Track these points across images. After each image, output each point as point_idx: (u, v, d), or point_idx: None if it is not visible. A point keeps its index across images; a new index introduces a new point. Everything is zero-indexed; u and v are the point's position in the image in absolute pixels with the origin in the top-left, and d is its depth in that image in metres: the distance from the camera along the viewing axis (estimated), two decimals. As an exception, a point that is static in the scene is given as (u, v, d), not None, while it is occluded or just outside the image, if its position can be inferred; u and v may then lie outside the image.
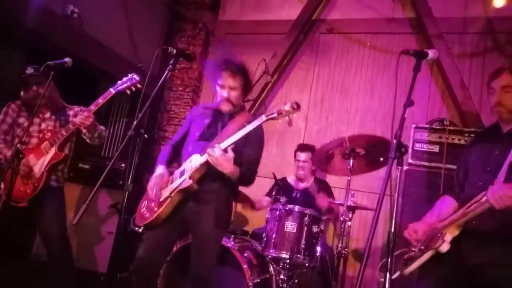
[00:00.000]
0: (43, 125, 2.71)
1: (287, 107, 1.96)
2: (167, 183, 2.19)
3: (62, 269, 2.61)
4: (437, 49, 1.90)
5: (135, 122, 1.88)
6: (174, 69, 4.68)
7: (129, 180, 1.98)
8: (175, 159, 2.37)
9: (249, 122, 2.11)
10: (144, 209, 2.21)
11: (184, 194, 2.12)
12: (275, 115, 1.98)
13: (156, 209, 2.12)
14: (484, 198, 1.65)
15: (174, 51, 2.12)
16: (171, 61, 2.12)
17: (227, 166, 2.04)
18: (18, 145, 2.27)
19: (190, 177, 2.08)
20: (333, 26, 4.35)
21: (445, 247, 1.75)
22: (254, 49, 4.51)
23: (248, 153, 2.22)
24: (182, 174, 2.15)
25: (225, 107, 2.29)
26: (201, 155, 2.10)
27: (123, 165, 3.73)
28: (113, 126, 4.54)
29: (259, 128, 2.11)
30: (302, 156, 3.45)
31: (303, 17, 4.33)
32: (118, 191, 3.48)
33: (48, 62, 2.48)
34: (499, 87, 1.87)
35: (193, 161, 2.13)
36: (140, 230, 2.22)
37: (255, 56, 4.38)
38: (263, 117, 2.01)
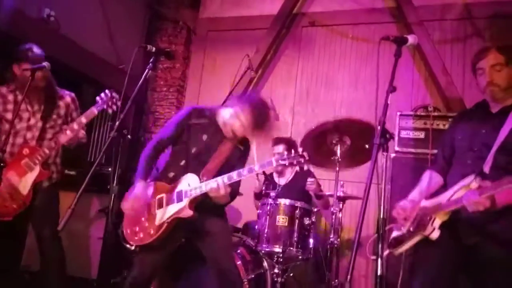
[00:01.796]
0: (32, 121, 2.57)
1: (298, 159, 1.92)
2: (151, 197, 2.11)
3: (55, 271, 2.54)
4: (417, 36, 1.89)
5: (117, 123, 1.85)
6: (156, 68, 4.64)
7: (115, 182, 1.95)
8: (155, 160, 2.24)
9: (240, 143, 2.21)
10: (137, 228, 2.10)
11: (182, 221, 2.07)
12: (285, 163, 1.93)
13: (152, 232, 2.05)
14: (474, 183, 1.70)
15: (154, 49, 2.10)
16: (151, 60, 2.09)
17: (225, 199, 2.08)
18: (-1, 154, 2.21)
19: (190, 207, 2.03)
20: (314, 19, 4.35)
21: (435, 234, 1.78)
22: (237, 45, 4.49)
23: (236, 182, 2.13)
24: (179, 198, 2.05)
25: (226, 134, 2.18)
26: (201, 181, 2.05)
27: (109, 169, 3.68)
28: (98, 130, 4.48)
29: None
30: (277, 148, 3.40)
31: (285, 11, 4.32)
32: (107, 196, 3.42)
33: (25, 67, 2.41)
34: (488, 66, 1.85)
35: (192, 186, 2.05)
36: (133, 248, 2.14)
37: (238, 52, 4.36)
38: (274, 162, 1.96)
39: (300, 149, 1.95)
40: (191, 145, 2.18)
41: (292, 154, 1.94)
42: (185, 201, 2.04)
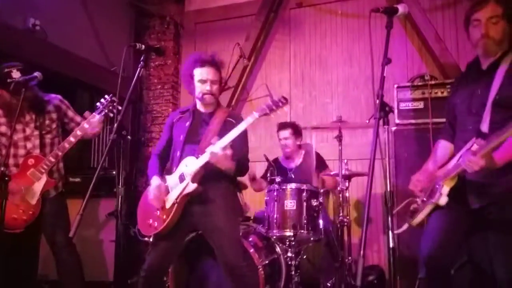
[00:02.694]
0: (28, 131, 2.59)
1: (277, 104, 2.05)
2: (166, 192, 2.19)
3: (73, 277, 2.57)
4: (407, 5, 1.86)
5: (115, 125, 1.85)
6: (147, 67, 4.61)
7: (120, 184, 1.95)
8: (164, 167, 2.37)
9: (231, 117, 2.26)
10: (150, 220, 2.20)
11: (189, 198, 2.15)
12: (267, 111, 2.06)
13: (164, 217, 2.14)
14: (475, 146, 1.68)
15: (143, 47, 2.08)
16: (142, 58, 2.08)
17: (227, 163, 2.11)
18: (2, 168, 2.21)
19: (193, 181, 2.11)
20: (301, 0, 4.29)
21: (443, 200, 1.79)
22: (227, 35, 4.45)
23: (238, 147, 2.25)
24: (181, 178, 2.15)
25: (208, 102, 2.30)
26: (196, 158, 2.13)
27: (114, 172, 3.68)
28: (98, 135, 4.47)
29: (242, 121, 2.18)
30: (283, 133, 3.45)
31: (270, -5, 4.27)
32: (114, 199, 3.44)
33: (17, 79, 2.40)
34: (485, 18, 1.79)
35: (190, 165, 2.14)
36: (150, 239, 2.22)
37: (229, 41, 4.34)
38: (256, 115, 2.08)
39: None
40: (179, 135, 2.29)
41: (270, 101, 2.05)
42: (188, 178, 2.12)
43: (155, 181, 2.22)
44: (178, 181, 2.17)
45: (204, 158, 2.09)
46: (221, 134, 2.15)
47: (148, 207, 2.24)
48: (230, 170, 2.19)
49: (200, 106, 2.36)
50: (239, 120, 2.22)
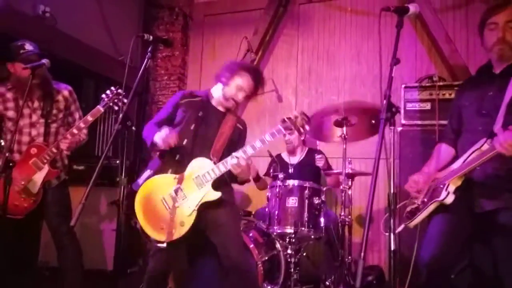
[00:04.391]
0: (34, 118, 2.57)
1: (299, 121, 2.04)
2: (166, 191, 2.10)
3: (74, 264, 2.58)
4: (418, 5, 1.83)
5: (120, 115, 1.85)
6: (155, 57, 4.60)
7: (123, 174, 1.95)
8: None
9: (239, 123, 2.30)
10: (163, 225, 2.03)
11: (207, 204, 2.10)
12: (292, 127, 2.05)
13: (185, 223, 2.03)
14: (486, 146, 1.65)
15: (151, 37, 2.06)
16: (149, 49, 2.06)
17: (249, 173, 2.17)
18: (7, 154, 2.22)
19: (214, 188, 2.08)
20: (311, -5, 4.26)
21: (450, 199, 1.76)
22: (235, 28, 4.43)
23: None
24: (200, 183, 2.07)
25: (226, 105, 2.28)
26: (214, 163, 2.10)
27: (118, 161, 3.70)
28: (103, 124, 4.49)
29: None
30: None
31: (280, -11, 4.23)
32: (117, 188, 3.46)
33: (25, 65, 2.40)
34: (503, 21, 1.74)
35: (207, 168, 2.08)
36: (164, 245, 2.02)
37: (237, 35, 4.32)
38: (282, 129, 2.08)
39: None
40: (190, 123, 2.22)
41: (292, 118, 2.02)
42: (208, 185, 2.08)
43: (164, 129, 2.10)
44: (195, 185, 2.08)
45: (224, 167, 2.07)
46: (232, 139, 2.18)
47: (158, 210, 2.08)
48: (248, 177, 2.24)
49: (214, 101, 2.32)
50: (245, 127, 2.31)
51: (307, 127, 2.06)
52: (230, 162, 2.05)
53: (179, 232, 2.02)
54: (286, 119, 2.06)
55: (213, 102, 2.31)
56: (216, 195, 2.07)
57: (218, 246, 2.14)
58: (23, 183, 2.44)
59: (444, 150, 2.03)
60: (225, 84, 2.25)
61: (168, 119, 2.28)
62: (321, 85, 4.17)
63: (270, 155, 3.21)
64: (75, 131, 2.47)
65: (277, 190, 2.84)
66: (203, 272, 2.74)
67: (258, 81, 2.28)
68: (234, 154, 2.06)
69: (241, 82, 2.23)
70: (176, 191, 2.08)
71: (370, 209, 1.39)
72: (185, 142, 2.17)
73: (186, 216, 2.05)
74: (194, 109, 2.25)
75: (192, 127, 2.20)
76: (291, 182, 2.87)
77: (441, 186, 1.79)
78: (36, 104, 2.59)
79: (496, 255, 1.77)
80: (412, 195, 1.94)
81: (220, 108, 2.31)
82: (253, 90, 2.28)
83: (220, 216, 2.15)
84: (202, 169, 2.09)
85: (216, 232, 2.15)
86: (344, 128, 2.83)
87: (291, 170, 3.37)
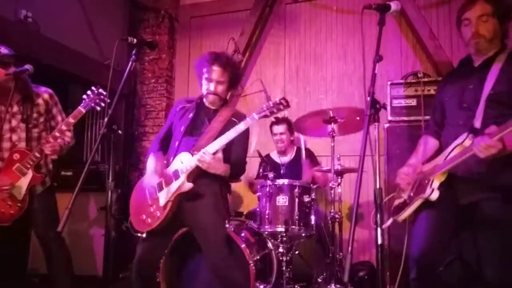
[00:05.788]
0: (14, 123, 2.52)
1: (277, 106, 2.04)
2: (161, 170, 2.19)
3: (64, 271, 2.55)
4: (402, 3, 1.86)
5: (105, 119, 1.83)
6: (142, 60, 4.58)
7: (110, 178, 1.94)
8: (166, 151, 2.36)
9: (235, 116, 2.23)
10: (143, 216, 2.17)
11: (183, 196, 2.14)
12: (267, 113, 2.06)
13: (158, 214, 2.13)
14: (468, 141, 1.68)
15: (135, 40, 2.06)
16: (134, 52, 2.05)
17: (218, 168, 2.12)
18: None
19: (188, 179, 2.11)
20: (297, -5, 4.28)
21: (434, 195, 1.79)
22: (222, 29, 4.43)
23: (237, 150, 2.26)
24: (176, 175, 2.14)
25: (211, 101, 2.31)
26: (192, 155, 2.12)
27: (106, 166, 3.67)
28: (91, 128, 4.45)
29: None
30: (278, 128, 3.47)
31: (266, -11, 4.24)
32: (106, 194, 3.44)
33: (7, 72, 2.36)
34: (475, 17, 1.82)
35: (185, 162, 2.13)
36: (144, 235, 2.18)
37: (223, 36, 4.32)
38: (256, 116, 2.07)
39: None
40: (180, 126, 2.28)
41: (271, 103, 2.03)
42: (183, 176, 2.12)
43: (150, 161, 2.25)
44: (172, 178, 2.15)
45: (194, 161, 2.09)
46: (222, 133, 2.15)
47: (141, 202, 2.22)
48: (225, 174, 2.19)
49: (205, 101, 2.36)
50: (242, 119, 2.21)
51: (285, 112, 2.08)
52: (195, 157, 2.08)
53: (155, 222, 2.12)
54: (264, 106, 2.07)
55: (206, 102, 2.36)
56: (188, 186, 2.09)
57: (201, 247, 2.18)
58: (8, 189, 2.40)
59: (429, 142, 2.06)
60: (200, 82, 2.33)
61: (169, 132, 2.38)
62: (309, 85, 4.20)
63: (260, 155, 3.22)
64: (57, 134, 2.43)
65: (267, 189, 2.85)
66: (198, 271, 2.74)
67: (222, 64, 2.25)
68: (203, 149, 2.08)
69: (206, 74, 2.26)
70: (158, 184, 2.19)
71: (357, 204, 1.40)
72: (176, 144, 2.25)
73: (161, 206, 2.14)
74: (187, 113, 2.32)
75: (182, 129, 2.26)
76: (281, 181, 2.88)
77: (426, 181, 1.82)
78: (15, 108, 2.53)
79: (478, 245, 1.80)
80: (402, 188, 1.96)
81: (211, 106, 2.34)
82: (223, 75, 2.26)
83: (200, 216, 2.16)
84: (179, 163, 2.15)
85: (197, 234, 2.20)
86: (333, 124, 2.86)
87: (283, 170, 3.39)
